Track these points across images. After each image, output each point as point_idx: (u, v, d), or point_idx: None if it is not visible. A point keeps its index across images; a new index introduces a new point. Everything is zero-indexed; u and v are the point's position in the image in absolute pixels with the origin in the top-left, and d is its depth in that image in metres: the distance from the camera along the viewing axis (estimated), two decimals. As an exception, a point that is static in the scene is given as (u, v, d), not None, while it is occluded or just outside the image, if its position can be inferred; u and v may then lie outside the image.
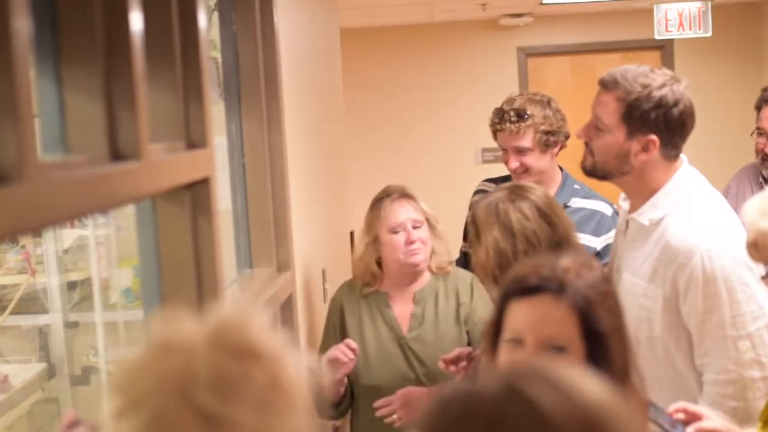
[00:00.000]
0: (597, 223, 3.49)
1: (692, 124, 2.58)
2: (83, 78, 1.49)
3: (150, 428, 1.01)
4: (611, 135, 2.57)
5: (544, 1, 6.93)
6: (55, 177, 1.26)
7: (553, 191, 3.52)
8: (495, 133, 3.60)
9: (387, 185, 3.30)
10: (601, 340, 1.73)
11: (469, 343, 3.16)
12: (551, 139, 3.53)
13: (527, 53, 8.02)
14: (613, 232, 3.33)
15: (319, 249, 3.83)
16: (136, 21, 1.56)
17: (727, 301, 2.45)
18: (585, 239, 3.44)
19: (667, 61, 7.90)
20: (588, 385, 1.04)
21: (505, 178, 3.72)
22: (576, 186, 3.61)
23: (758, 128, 3.95)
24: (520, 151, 3.52)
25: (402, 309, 3.24)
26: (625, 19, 7.83)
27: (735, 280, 2.45)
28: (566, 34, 8.03)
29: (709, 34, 6.71)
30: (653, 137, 2.53)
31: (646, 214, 2.61)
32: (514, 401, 1.00)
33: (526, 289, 1.77)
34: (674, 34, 6.73)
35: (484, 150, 7.88)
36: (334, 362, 3.05)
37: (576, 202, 3.55)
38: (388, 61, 8.04)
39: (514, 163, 3.52)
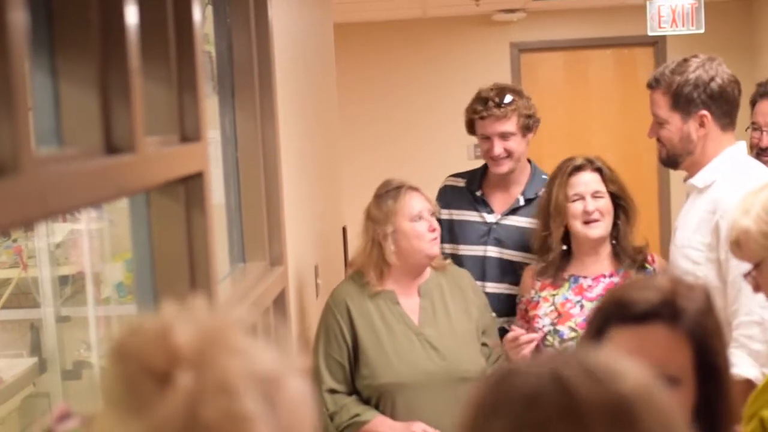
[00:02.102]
0: None
1: (736, 91, 2.94)
2: (78, 70, 1.48)
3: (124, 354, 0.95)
4: (670, 125, 2.93)
5: (537, -3, 6.95)
6: (49, 170, 1.25)
7: (523, 182, 3.65)
8: (475, 122, 3.62)
9: (387, 179, 3.28)
10: (716, 375, 1.59)
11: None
12: (531, 123, 3.60)
13: (520, 49, 8.02)
14: None
15: (311, 244, 3.83)
16: (131, 14, 1.56)
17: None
18: None
19: (660, 58, 7.91)
20: (629, 374, 1.06)
21: (473, 172, 3.77)
22: (544, 176, 3.65)
23: (753, 123, 3.96)
24: (504, 136, 3.55)
25: (409, 304, 3.23)
26: (618, 15, 7.83)
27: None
28: (559, 29, 8.03)
29: (702, 30, 6.72)
30: (704, 112, 2.88)
31: (700, 177, 2.94)
32: (554, 385, 1.04)
33: (633, 316, 1.60)
34: (667, 30, 6.73)
35: (476, 146, 7.88)
36: None
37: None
38: (381, 56, 8.03)
39: (499, 149, 3.54)
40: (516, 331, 3.11)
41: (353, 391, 3.19)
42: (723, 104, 2.86)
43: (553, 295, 3.22)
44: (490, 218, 3.62)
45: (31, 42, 1.41)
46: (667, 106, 2.90)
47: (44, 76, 1.48)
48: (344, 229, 4.98)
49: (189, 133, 1.92)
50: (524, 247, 3.55)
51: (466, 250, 3.60)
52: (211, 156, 2.10)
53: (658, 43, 7.85)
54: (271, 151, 2.98)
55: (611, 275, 3.18)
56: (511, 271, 3.53)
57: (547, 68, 8.07)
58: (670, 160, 3.04)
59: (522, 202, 3.62)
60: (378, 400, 3.16)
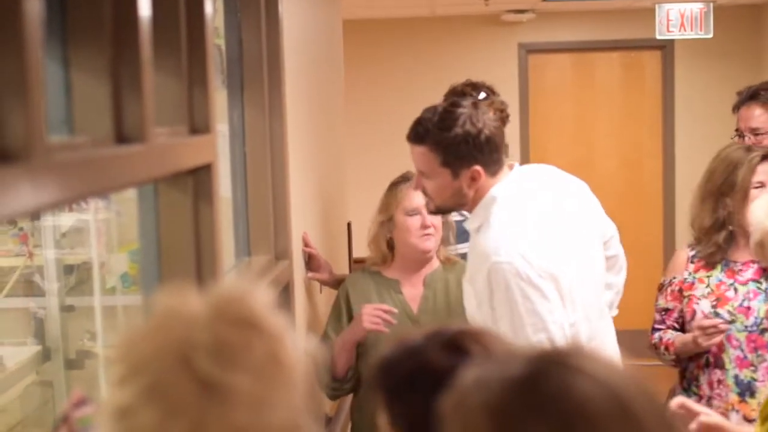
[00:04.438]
0: None
1: (501, 133, 2.77)
2: (90, 61, 1.50)
3: (150, 394, 1.02)
4: (439, 180, 2.74)
5: (546, -2, 6.94)
6: (60, 158, 1.26)
7: None
8: None
9: (407, 171, 3.32)
10: None
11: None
12: (505, 116, 3.56)
13: (528, 50, 8.01)
14: None
15: (317, 239, 3.84)
16: (144, 6, 1.57)
17: (509, 312, 2.58)
18: None
19: (668, 62, 7.91)
20: (616, 367, 1.09)
21: None
22: None
23: (736, 130, 3.97)
24: None
25: (412, 293, 3.29)
26: (627, 18, 7.83)
27: (517, 293, 2.56)
28: (568, 31, 8.02)
29: (711, 35, 6.72)
30: (476, 167, 2.69)
31: (470, 222, 2.79)
32: (551, 378, 1.06)
33: None
34: (675, 34, 6.73)
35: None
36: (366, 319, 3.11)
37: None
38: (388, 53, 8.03)
39: None
40: (713, 320, 3.10)
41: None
42: (493, 153, 2.70)
43: (708, 276, 3.25)
44: None
45: (44, 32, 1.42)
46: (435, 162, 2.71)
47: (57, 65, 1.49)
48: (349, 225, 4.99)
49: (198, 125, 1.94)
50: None
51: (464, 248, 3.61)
52: (219, 149, 2.11)
53: (666, 47, 7.85)
54: (278, 146, 2.99)
55: (758, 261, 3.19)
56: None
57: (554, 69, 8.07)
58: (440, 211, 2.93)
59: None
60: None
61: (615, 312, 3.07)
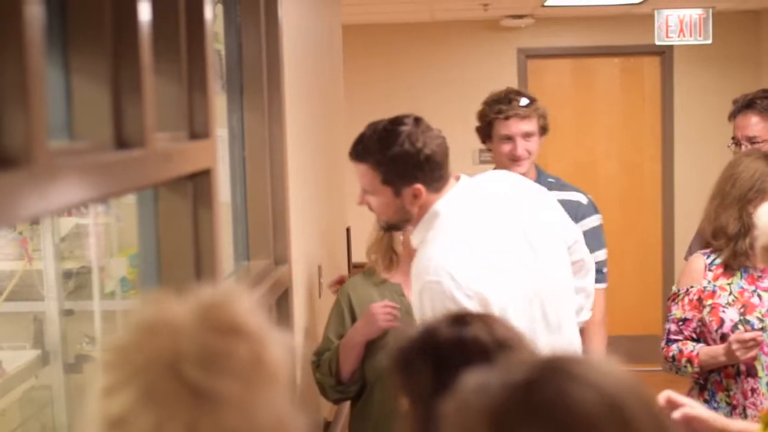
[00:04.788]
0: (574, 212, 3.52)
1: (443, 150, 2.74)
2: (90, 66, 1.50)
3: (142, 402, 1.05)
4: (382, 197, 2.74)
5: (545, 3, 6.94)
6: (61, 163, 1.27)
7: None
8: (495, 123, 3.62)
9: None
10: None
11: None
12: (546, 125, 3.64)
13: (527, 55, 8.02)
14: (588, 219, 3.66)
15: (315, 244, 3.84)
16: (144, 11, 1.57)
17: None
18: None
19: (667, 67, 7.92)
20: (618, 375, 1.11)
21: None
22: (550, 179, 3.68)
23: (732, 138, 3.96)
24: (527, 136, 3.58)
25: None
26: (626, 23, 7.83)
27: (442, 312, 2.53)
28: (567, 37, 8.03)
29: (710, 41, 6.72)
30: (417, 185, 2.68)
31: (412, 239, 2.80)
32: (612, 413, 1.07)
33: None
34: (674, 40, 6.74)
35: (481, 151, 7.88)
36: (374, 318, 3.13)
37: (553, 195, 3.58)
38: (388, 58, 8.03)
39: (521, 149, 3.57)
40: (752, 332, 3.06)
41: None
42: (434, 170, 2.70)
43: (729, 284, 3.22)
44: None
45: (45, 37, 1.43)
46: (377, 180, 2.71)
47: (57, 69, 1.49)
48: (348, 230, 4.99)
49: (198, 130, 1.94)
50: None
51: None
52: (218, 154, 2.12)
53: (665, 53, 7.85)
54: (277, 151, 3.00)
55: None
56: None
57: (553, 75, 8.07)
58: (389, 227, 2.91)
59: None
60: (374, 384, 3.22)
61: (587, 315, 3.06)
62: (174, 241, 1.96)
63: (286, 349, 1.13)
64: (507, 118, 3.57)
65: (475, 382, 1.11)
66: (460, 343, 1.66)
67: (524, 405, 1.07)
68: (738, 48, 7.81)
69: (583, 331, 3.50)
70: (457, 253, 2.61)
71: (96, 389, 1.10)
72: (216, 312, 1.10)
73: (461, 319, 1.73)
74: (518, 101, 3.56)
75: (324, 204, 4.16)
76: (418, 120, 2.75)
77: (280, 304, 3.04)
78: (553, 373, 1.09)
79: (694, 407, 2.30)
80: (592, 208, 3.71)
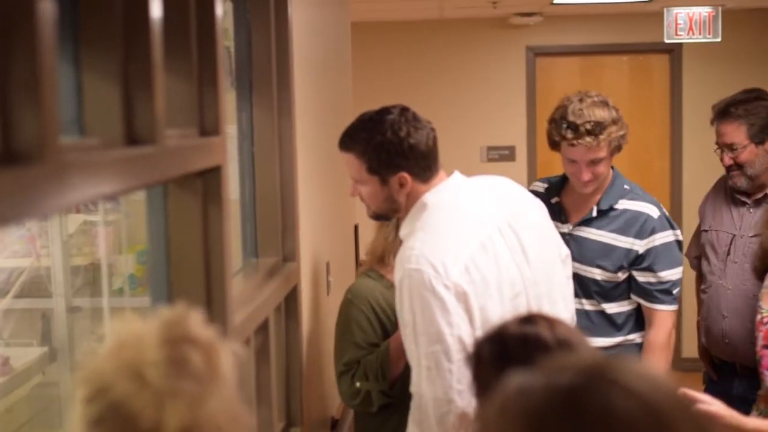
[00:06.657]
0: (641, 226, 3.47)
1: (431, 141, 2.77)
2: (101, 62, 1.50)
3: (114, 408, 1.25)
4: (370, 187, 2.80)
5: (554, 1, 6.93)
6: (72, 159, 1.26)
7: (601, 191, 3.55)
8: (561, 145, 3.50)
9: None
10: None
11: None
12: (621, 143, 3.49)
13: (536, 53, 8.01)
14: (658, 235, 3.47)
15: (324, 241, 3.84)
16: (155, 8, 1.57)
17: (411, 320, 2.59)
18: (628, 242, 3.45)
19: (676, 66, 7.90)
20: (661, 382, 1.11)
21: (558, 178, 3.71)
22: (626, 186, 3.57)
23: (716, 143, 3.93)
24: (595, 163, 3.45)
25: None
26: (635, 21, 7.82)
27: (419, 302, 2.56)
28: (576, 34, 8.02)
29: (719, 39, 6.70)
30: (402, 174, 2.74)
31: (401, 229, 2.82)
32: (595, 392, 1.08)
33: None
34: (684, 38, 6.72)
35: (489, 148, 7.88)
36: None
37: (622, 204, 3.53)
38: (397, 56, 8.03)
39: (588, 176, 3.45)
40: None
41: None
42: (420, 161, 2.73)
43: None
44: (563, 228, 3.53)
45: (57, 33, 1.42)
46: (363, 169, 2.77)
47: (68, 66, 1.49)
48: (356, 227, 4.99)
49: (208, 127, 1.93)
50: (591, 262, 3.48)
51: None
52: (227, 151, 2.11)
53: (674, 51, 7.84)
54: (287, 148, 2.99)
55: None
56: (577, 286, 3.35)
57: (562, 73, 8.06)
58: (379, 217, 2.94)
59: (594, 214, 3.53)
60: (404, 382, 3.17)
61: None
62: (183, 237, 1.95)
63: (233, 355, 1.35)
64: (572, 145, 3.44)
65: (518, 383, 1.12)
66: (523, 339, 1.77)
67: (565, 410, 1.07)
68: (747, 46, 7.79)
69: (646, 352, 3.47)
70: (440, 244, 2.61)
71: (76, 397, 1.29)
72: (173, 327, 1.31)
73: (529, 318, 1.85)
74: (586, 129, 3.40)
75: (332, 201, 4.16)
76: (404, 110, 2.78)
77: (289, 301, 3.04)
78: (595, 379, 1.09)
79: (710, 404, 2.30)
80: (665, 223, 3.52)
